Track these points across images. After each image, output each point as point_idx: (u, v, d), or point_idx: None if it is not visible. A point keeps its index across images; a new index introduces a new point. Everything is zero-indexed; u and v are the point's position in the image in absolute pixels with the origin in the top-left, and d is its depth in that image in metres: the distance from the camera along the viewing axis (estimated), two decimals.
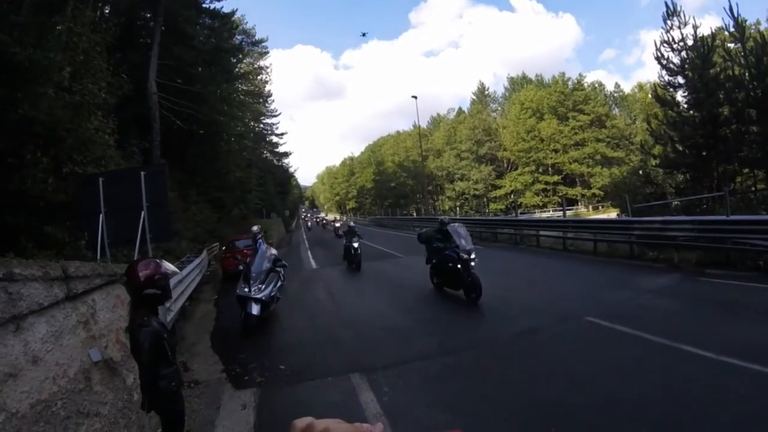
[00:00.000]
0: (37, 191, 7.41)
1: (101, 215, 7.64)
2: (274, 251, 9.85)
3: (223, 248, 18.10)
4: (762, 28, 28.32)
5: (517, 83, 68.99)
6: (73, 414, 3.00)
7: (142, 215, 7.84)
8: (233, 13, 26.51)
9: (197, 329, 8.92)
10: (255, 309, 7.93)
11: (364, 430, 0.57)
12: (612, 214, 34.69)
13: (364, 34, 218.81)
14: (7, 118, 7.23)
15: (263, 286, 8.29)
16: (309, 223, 48.51)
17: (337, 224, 37.25)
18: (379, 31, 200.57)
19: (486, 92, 71.61)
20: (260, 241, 10.14)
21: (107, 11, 18.48)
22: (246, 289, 8.07)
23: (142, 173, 8.26)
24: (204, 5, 23.69)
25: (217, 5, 24.27)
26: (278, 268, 9.17)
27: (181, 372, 4.80)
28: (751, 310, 6.74)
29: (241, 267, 9.27)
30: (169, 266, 3.11)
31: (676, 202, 19.22)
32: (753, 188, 19.79)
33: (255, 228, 12.68)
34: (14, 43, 7.54)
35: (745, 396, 3.97)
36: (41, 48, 8.10)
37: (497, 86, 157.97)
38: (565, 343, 6.07)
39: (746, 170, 20.14)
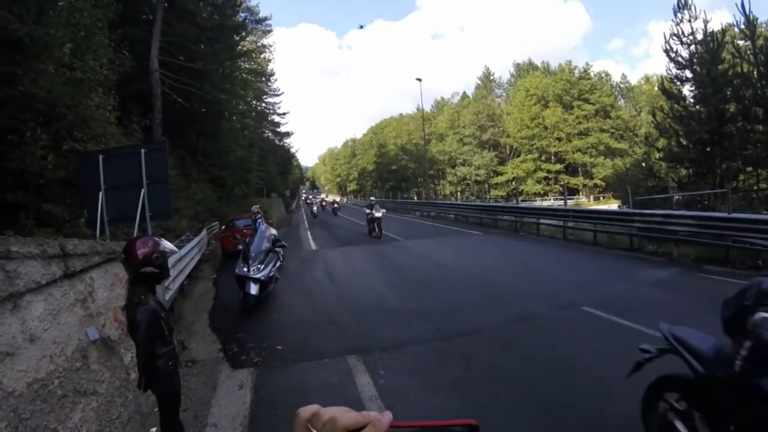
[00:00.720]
0: (37, 168, 7.36)
1: (101, 192, 7.60)
2: (273, 231, 9.86)
3: (223, 227, 18.13)
4: None
5: (523, 70, 68.30)
6: (70, 393, 3.02)
7: (142, 193, 7.79)
8: None
9: (195, 308, 8.97)
10: (254, 289, 7.96)
11: (372, 419, 0.54)
12: (613, 206, 34.66)
13: (361, 26, 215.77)
14: (8, 95, 7.16)
15: (262, 266, 8.32)
16: (314, 208, 37.72)
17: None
18: (385, 11, 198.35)
19: (491, 77, 70.95)
20: (260, 220, 10.17)
21: None
22: (245, 269, 8.09)
23: (143, 150, 8.19)
24: None
25: None
26: (277, 248, 9.19)
27: (179, 351, 4.83)
28: None
29: (240, 246, 9.28)
30: (167, 245, 3.10)
31: (677, 197, 19.20)
32: (755, 187, 19.79)
33: (254, 207, 12.71)
34: (14, 18, 7.44)
35: None
36: (42, 24, 7.98)
37: (503, 72, 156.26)
38: (560, 331, 6.11)
39: (749, 169, 20.12)
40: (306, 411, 0.55)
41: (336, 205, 37.13)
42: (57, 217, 7.58)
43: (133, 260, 2.92)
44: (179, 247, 8.88)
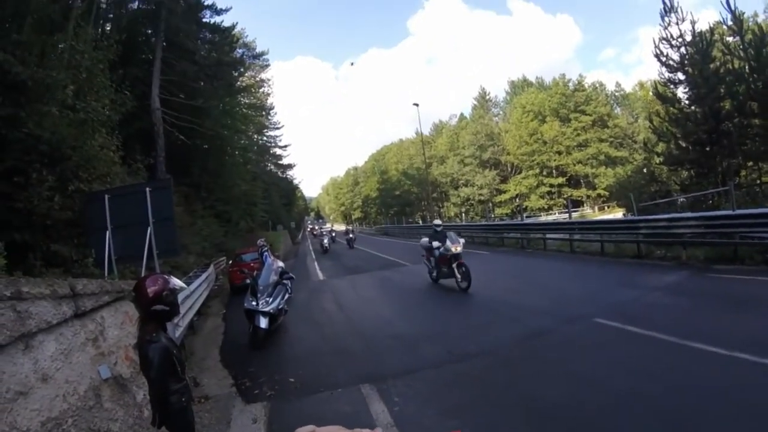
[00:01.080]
0: (44, 209, 7.47)
1: (108, 232, 7.68)
2: (280, 263, 9.86)
3: (230, 262, 18.16)
4: (760, 19, 28.38)
5: (518, 86, 69.05)
6: (83, 431, 3.00)
7: (149, 231, 7.87)
8: (233, 26, 26.73)
9: (206, 344, 8.93)
10: (263, 322, 7.92)
11: None
12: (618, 214, 34.58)
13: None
14: (13, 137, 7.32)
15: (271, 299, 8.28)
16: (325, 240, 29.88)
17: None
18: (378, 39, 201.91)
19: (487, 97, 71.71)
20: (266, 253, 10.18)
21: (108, 28, 18.73)
22: (253, 303, 8.07)
23: (148, 189, 8.31)
24: (204, 20, 23.92)
25: (217, 19, 24.53)
26: (285, 280, 9.16)
27: (191, 387, 4.81)
28: (760, 304, 6.69)
29: (248, 280, 9.27)
30: (177, 282, 3.11)
31: (681, 199, 19.13)
32: (758, 181, 19.74)
33: (260, 241, 12.76)
34: (17, 62, 7.65)
35: (759, 391, 3.92)
36: (44, 67, 8.21)
37: (498, 90, 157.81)
38: (573, 345, 6.03)
39: (750, 163, 20.14)
40: (303, 431, 0.57)
41: (351, 235, 32.24)
42: (65, 257, 7.65)
43: (143, 298, 2.94)
44: (187, 284, 8.88)
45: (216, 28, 24.55)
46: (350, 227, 27.37)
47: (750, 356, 4.59)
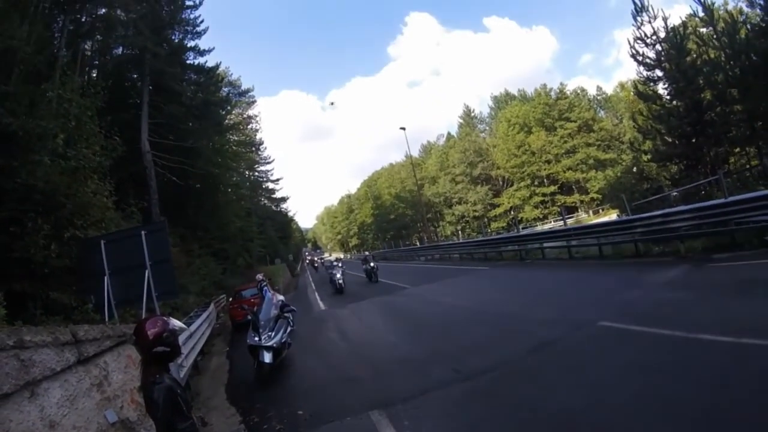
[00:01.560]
0: (41, 258, 7.48)
1: (106, 277, 7.67)
2: (280, 297, 9.83)
3: (230, 299, 18.07)
4: (730, 7, 29.01)
5: (501, 101, 70.14)
6: None
7: (147, 273, 7.86)
8: (217, 66, 27.20)
9: (212, 383, 8.84)
10: (267, 357, 7.85)
11: None
12: (612, 216, 34.70)
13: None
14: (7, 188, 7.36)
15: (273, 333, 8.21)
16: (338, 275, 21.08)
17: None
18: (361, 68, 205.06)
19: (472, 114, 72.82)
20: (265, 288, 10.16)
21: (95, 75, 18.99)
22: (256, 338, 8.00)
23: (143, 232, 8.32)
24: (188, 61, 24.34)
25: (201, 60, 24.96)
26: (287, 314, 9.10)
27: (199, 426, 4.75)
28: (762, 287, 6.70)
29: (249, 316, 9.24)
30: (176, 323, 3.13)
31: (673, 194, 19.24)
32: (747, 166, 19.94)
33: (259, 276, 12.74)
34: (7, 113, 7.74)
35: None
36: (33, 116, 8.30)
37: (482, 107, 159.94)
38: (581, 352, 5.98)
39: (737, 150, 20.37)
40: None
41: (372, 265, 22.49)
42: (64, 304, 7.63)
43: (144, 341, 2.94)
44: (188, 324, 8.84)
45: (200, 69, 24.95)
46: (368, 254, 26.87)
47: (759, 340, 4.60)
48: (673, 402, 3.89)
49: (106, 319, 7.32)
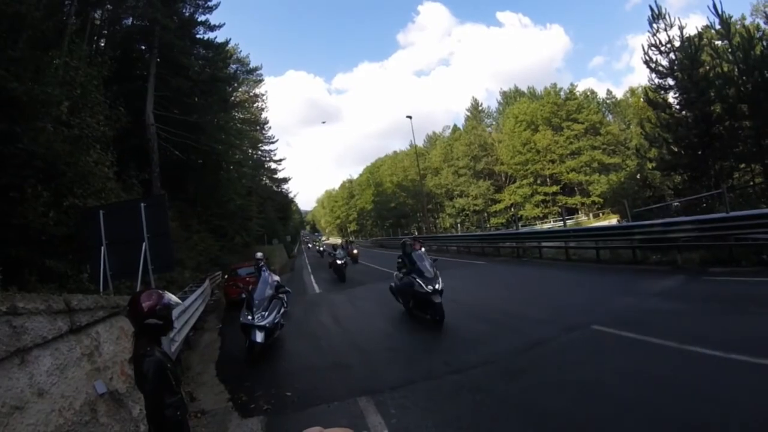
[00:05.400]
0: (39, 225, 7.48)
1: (103, 247, 7.65)
2: (276, 277, 9.83)
3: (226, 276, 18.11)
4: (747, 22, 28.78)
5: (510, 97, 69.69)
6: None
7: (144, 246, 7.84)
8: (227, 42, 26.97)
9: (202, 359, 8.88)
10: (259, 336, 7.88)
11: None
12: (612, 221, 34.68)
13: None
14: (8, 153, 7.33)
15: (266, 313, 8.23)
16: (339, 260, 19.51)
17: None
18: (370, 53, 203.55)
19: (480, 108, 72.31)
20: (264, 267, 10.15)
21: (103, 44, 18.86)
22: (249, 317, 8.03)
23: (142, 204, 8.28)
24: (198, 36, 24.18)
25: (210, 35, 24.82)
26: (281, 295, 9.12)
27: (187, 402, 4.78)
28: (756, 305, 6.71)
29: (243, 295, 9.24)
30: (171, 297, 3.13)
31: (675, 204, 19.25)
32: (751, 183, 19.91)
33: (258, 255, 12.69)
34: (12, 78, 7.68)
35: (757, 392, 3.94)
36: (39, 83, 8.25)
37: (490, 101, 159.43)
38: (572, 353, 6.01)
39: (743, 165, 20.30)
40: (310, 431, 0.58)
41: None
42: (60, 272, 7.64)
43: (137, 313, 2.95)
44: (182, 299, 8.86)
45: (210, 44, 24.77)
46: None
47: (747, 357, 4.61)
48: (657, 410, 3.92)
49: (101, 289, 7.33)
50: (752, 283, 8.21)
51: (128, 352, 3.75)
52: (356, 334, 9.13)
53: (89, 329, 3.92)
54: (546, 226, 46.70)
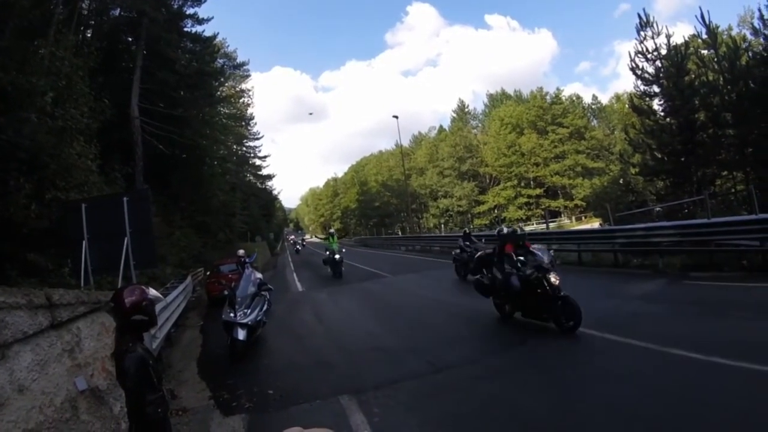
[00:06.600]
0: (20, 218, 7.34)
1: (84, 242, 7.52)
2: (259, 275, 9.76)
3: (208, 273, 17.95)
4: (734, 33, 29.33)
5: (497, 99, 70.12)
6: None
7: (126, 241, 7.73)
8: (215, 36, 26.71)
9: (184, 356, 8.78)
10: (241, 334, 7.80)
11: None
12: (595, 224, 35.08)
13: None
14: None
15: (249, 311, 8.16)
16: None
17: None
18: (357, 51, 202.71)
19: (466, 109, 72.67)
20: (248, 264, 10.08)
21: (89, 35, 18.54)
22: (231, 315, 7.96)
23: (125, 199, 8.16)
24: (185, 29, 23.84)
25: (198, 29, 24.49)
26: (264, 292, 9.06)
27: (169, 399, 4.72)
28: (736, 309, 6.87)
29: (226, 292, 9.16)
30: (154, 293, 3.09)
31: (657, 209, 19.53)
32: (733, 190, 20.27)
33: (241, 251, 12.63)
34: None
35: (737, 394, 4.03)
36: (24, 72, 8.09)
37: (477, 103, 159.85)
38: (554, 355, 6.09)
39: (725, 173, 20.69)
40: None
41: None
42: (41, 266, 7.49)
43: (121, 308, 2.91)
44: (164, 295, 8.75)
45: (197, 38, 24.49)
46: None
47: (727, 360, 4.72)
48: (637, 413, 3.98)
49: (82, 284, 7.21)
50: (733, 288, 8.37)
51: (109, 348, 3.71)
52: (339, 333, 9.11)
53: (70, 325, 3.86)
54: (528, 228, 47.08)
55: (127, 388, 2.80)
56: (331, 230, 15.15)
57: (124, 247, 7.69)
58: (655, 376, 4.76)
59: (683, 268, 10.73)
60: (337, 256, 18.31)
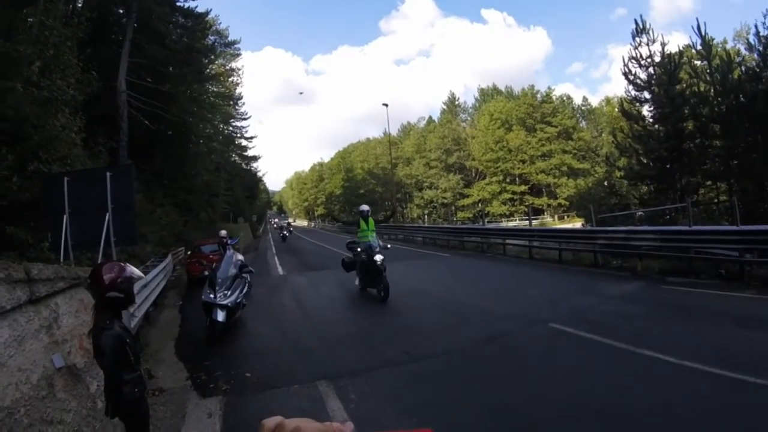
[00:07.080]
0: (1, 189, 7.16)
1: (65, 216, 7.38)
2: (240, 257, 9.70)
3: (189, 253, 17.80)
4: (728, 46, 29.68)
5: (488, 94, 70.11)
6: (36, 421, 2.91)
7: (107, 217, 7.61)
8: (207, 12, 26.17)
9: (161, 336, 8.72)
10: (220, 315, 7.76)
11: (335, 430, 0.57)
12: (577, 224, 35.50)
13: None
14: None
15: (229, 292, 8.12)
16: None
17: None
18: (350, 37, 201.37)
19: (456, 102, 72.57)
20: (229, 245, 10.01)
21: (80, 5, 18.06)
22: (211, 296, 7.91)
23: (108, 174, 8.00)
24: (178, 3, 23.36)
25: (191, 4, 24.02)
26: (244, 274, 9.01)
27: (145, 379, 4.71)
28: (711, 316, 7.03)
29: (206, 272, 9.09)
30: (134, 270, 3.06)
31: (640, 213, 19.84)
32: (715, 200, 20.62)
33: (223, 232, 12.51)
34: None
35: (704, 398, 4.16)
36: (11, 41, 7.87)
37: (467, 96, 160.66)
38: (529, 349, 6.18)
39: (709, 182, 21.00)
40: (270, 422, 0.57)
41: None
42: (20, 240, 7.35)
43: (98, 285, 2.87)
44: (144, 273, 8.66)
45: (189, 13, 24.01)
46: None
47: (697, 364, 4.85)
48: (605, 410, 4.08)
49: (61, 259, 7.09)
50: (709, 295, 8.53)
51: (87, 325, 3.66)
52: (318, 319, 9.13)
53: (48, 300, 3.81)
54: (511, 224, 47.44)
55: (103, 366, 2.78)
56: (364, 207, 11.36)
57: (106, 222, 7.57)
58: (625, 376, 4.87)
59: (661, 273, 10.92)
60: (378, 258, 10.24)
